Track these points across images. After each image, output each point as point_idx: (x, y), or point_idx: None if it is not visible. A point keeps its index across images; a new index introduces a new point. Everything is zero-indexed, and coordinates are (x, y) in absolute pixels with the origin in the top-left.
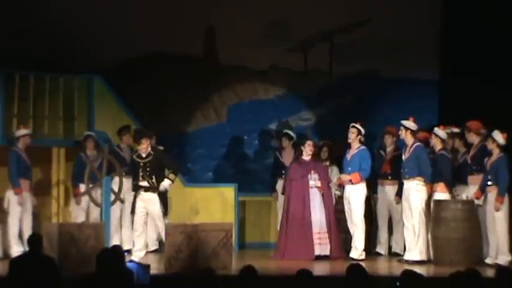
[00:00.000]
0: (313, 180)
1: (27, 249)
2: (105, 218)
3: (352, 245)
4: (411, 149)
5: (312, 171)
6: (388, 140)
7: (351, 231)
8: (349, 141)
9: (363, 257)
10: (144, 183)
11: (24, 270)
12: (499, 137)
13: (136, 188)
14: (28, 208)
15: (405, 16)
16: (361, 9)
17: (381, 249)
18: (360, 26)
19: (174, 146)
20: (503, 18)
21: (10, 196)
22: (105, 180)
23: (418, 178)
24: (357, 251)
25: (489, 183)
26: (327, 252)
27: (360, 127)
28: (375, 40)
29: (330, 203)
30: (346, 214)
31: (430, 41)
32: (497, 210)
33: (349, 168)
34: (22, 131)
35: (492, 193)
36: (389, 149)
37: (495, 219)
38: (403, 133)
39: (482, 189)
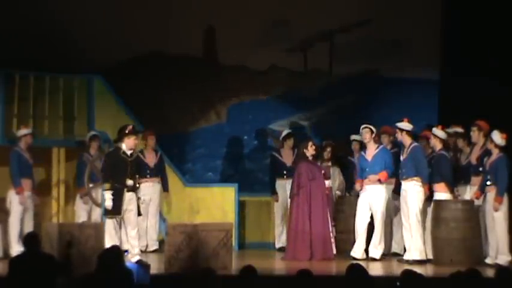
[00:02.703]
0: (326, 180)
1: None
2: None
3: (355, 244)
4: (409, 150)
5: (322, 171)
6: (385, 140)
7: (360, 231)
8: (365, 141)
9: (379, 257)
10: (131, 182)
11: (24, 269)
12: (497, 137)
13: (121, 189)
14: (29, 208)
15: (405, 16)
16: (361, 9)
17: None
18: (360, 26)
19: (174, 146)
20: (504, 18)
21: (12, 196)
22: None
23: (415, 178)
24: (378, 251)
25: (488, 183)
26: (334, 252)
27: (371, 126)
28: (375, 40)
29: (331, 204)
30: (359, 214)
31: (430, 41)
32: (496, 210)
33: (373, 169)
34: (23, 131)
35: (491, 193)
36: (387, 148)
37: (494, 219)
38: (399, 135)
39: (482, 189)
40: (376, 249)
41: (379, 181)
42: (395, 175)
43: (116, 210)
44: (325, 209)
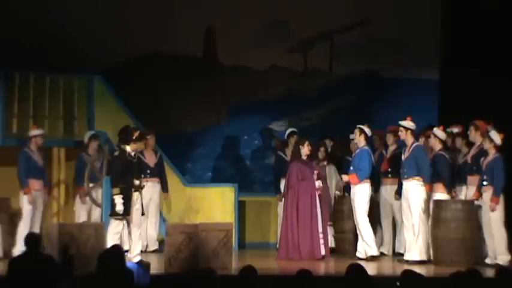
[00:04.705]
0: (317, 181)
1: None
2: (105, 218)
3: (357, 245)
4: (411, 149)
5: (314, 171)
6: (390, 139)
7: (358, 231)
8: (354, 141)
9: (378, 253)
10: (137, 182)
11: (24, 270)
12: (496, 137)
13: (129, 190)
14: (39, 207)
15: (405, 16)
16: (361, 9)
17: (385, 249)
18: (360, 26)
19: (174, 146)
20: (503, 19)
21: (22, 196)
22: (106, 180)
23: (417, 178)
24: (373, 248)
25: (484, 183)
26: (324, 252)
27: (363, 127)
28: (375, 40)
29: (327, 204)
30: (353, 214)
31: (430, 41)
32: (492, 210)
33: (351, 168)
34: (34, 132)
35: (487, 193)
36: (392, 147)
37: (491, 220)
38: (403, 134)
39: (480, 189)
40: (370, 248)
41: (349, 182)
42: (399, 175)
43: (125, 212)
44: (314, 210)
